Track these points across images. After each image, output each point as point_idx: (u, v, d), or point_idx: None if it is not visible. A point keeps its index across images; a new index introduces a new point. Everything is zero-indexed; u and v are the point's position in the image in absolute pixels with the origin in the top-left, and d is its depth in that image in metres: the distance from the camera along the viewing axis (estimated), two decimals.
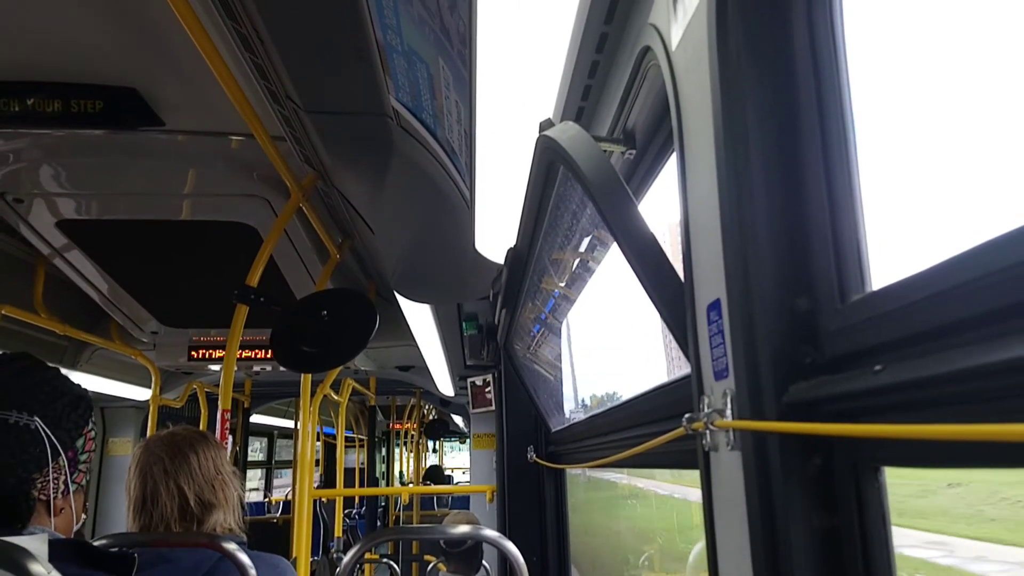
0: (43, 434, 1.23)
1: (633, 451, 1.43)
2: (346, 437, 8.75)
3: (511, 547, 2.09)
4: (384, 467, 15.06)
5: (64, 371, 1.39)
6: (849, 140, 0.75)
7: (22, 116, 2.04)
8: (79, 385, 1.38)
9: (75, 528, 1.38)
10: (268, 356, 4.55)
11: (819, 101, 0.76)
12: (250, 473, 11.04)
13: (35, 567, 0.94)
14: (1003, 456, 0.55)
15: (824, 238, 0.75)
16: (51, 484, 1.27)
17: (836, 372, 0.71)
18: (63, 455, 1.27)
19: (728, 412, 0.83)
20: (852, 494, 0.72)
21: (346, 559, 2.32)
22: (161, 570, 1.53)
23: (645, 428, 1.47)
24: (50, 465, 1.25)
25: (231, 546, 1.56)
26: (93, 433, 1.38)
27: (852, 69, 0.76)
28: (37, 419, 1.23)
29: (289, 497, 9.80)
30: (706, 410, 0.89)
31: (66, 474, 1.30)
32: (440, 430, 13.17)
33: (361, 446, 12.23)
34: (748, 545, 0.80)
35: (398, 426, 12.84)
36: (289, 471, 11.42)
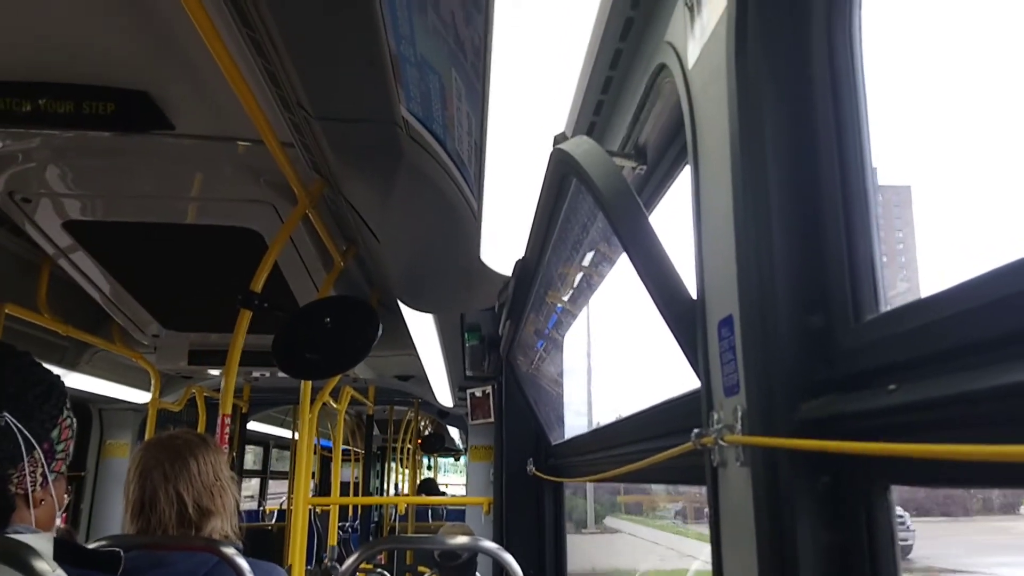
0: (14, 430, 1.21)
1: (637, 465, 1.43)
2: (342, 451, 8.75)
3: (510, 559, 2.09)
4: (379, 482, 15.01)
5: (63, 372, 1.38)
6: (866, 160, 0.76)
7: (33, 116, 2.05)
8: (50, 372, 1.35)
9: (58, 515, 1.36)
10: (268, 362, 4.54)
11: (837, 120, 0.77)
12: (245, 483, 10.98)
13: (40, 564, 0.94)
14: (1015, 476, 0.55)
15: (839, 257, 0.76)
16: (27, 478, 1.24)
17: (849, 391, 0.71)
18: (38, 448, 1.25)
19: (738, 428, 0.83)
20: (862, 512, 0.72)
21: (343, 568, 2.31)
22: (157, 574, 1.53)
23: (650, 443, 1.47)
24: (25, 460, 1.23)
25: (229, 550, 1.56)
26: (69, 421, 1.35)
27: (870, 88, 0.76)
28: (7, 414, 1.21)
29: (284, 506, 9.76)
30: (716, 425, 0.89)
31: (43, 466, 1.27)
32: (436, 444, 13.13)
33: (357, 460, 12.18)
34: (756, 563, 0.80)
35: (395, 441, 12.80)
36: (282, 482, 11.38)
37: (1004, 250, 0.54)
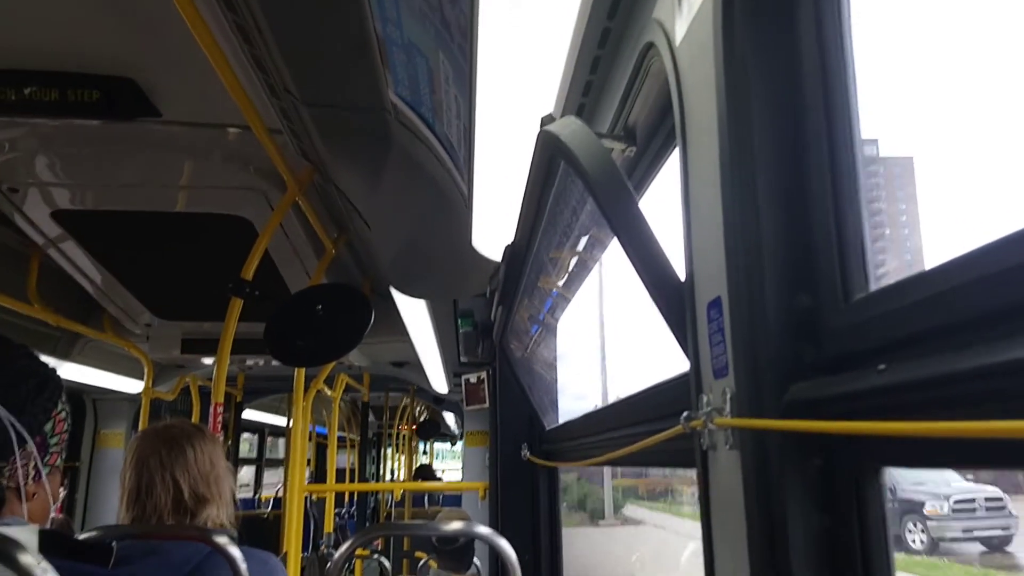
0: (6, 423, 1.20)
1: (628, 449, 1.42)
2: (337, 438, 8.76)
3: (504, 544, 2.08)
4: (375, 468, 15.05)
5: (55, 362, 1.36)
6: (855, 137, 0.75)
7: (19, 105, 2.03)
8: (45, 365, 1.33)
9: (53, 508, 1.35)
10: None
11: (825, 97, 0.76)
12: (240, 471, 10.97)
13: (25, 558, 0.93)
14: (1005, 456, 0.54)
15: (827, 236, 0.75)
16: (20, 472, 1.23)
17: (838, 372, 0.70)
18: (30, 441, 1.24)
19: (727, 411, 0.83)
20: (852, 495, 0.71)
21: (338, 554, 2.30)
22: (151, 562, 1.52)
23: (642, 426, 1.46)
24: (16, 453, 1.21)
25: (222, 540, 1.55)
26: (64, 414, 1.34)
27: (859, 65, 0.75)
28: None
29: (279, 494, 9.77)
30: (705, 408, 0.89)
31: (36, 460, 1.26)
32: (431, 431, 13.17)
33: (352, 446, 12.20)
34: (746, 546, 0.79)
35: (390, 428, 12.81)
36: (278, 470, 11.39)
37: (1003, 223, 0.53)
